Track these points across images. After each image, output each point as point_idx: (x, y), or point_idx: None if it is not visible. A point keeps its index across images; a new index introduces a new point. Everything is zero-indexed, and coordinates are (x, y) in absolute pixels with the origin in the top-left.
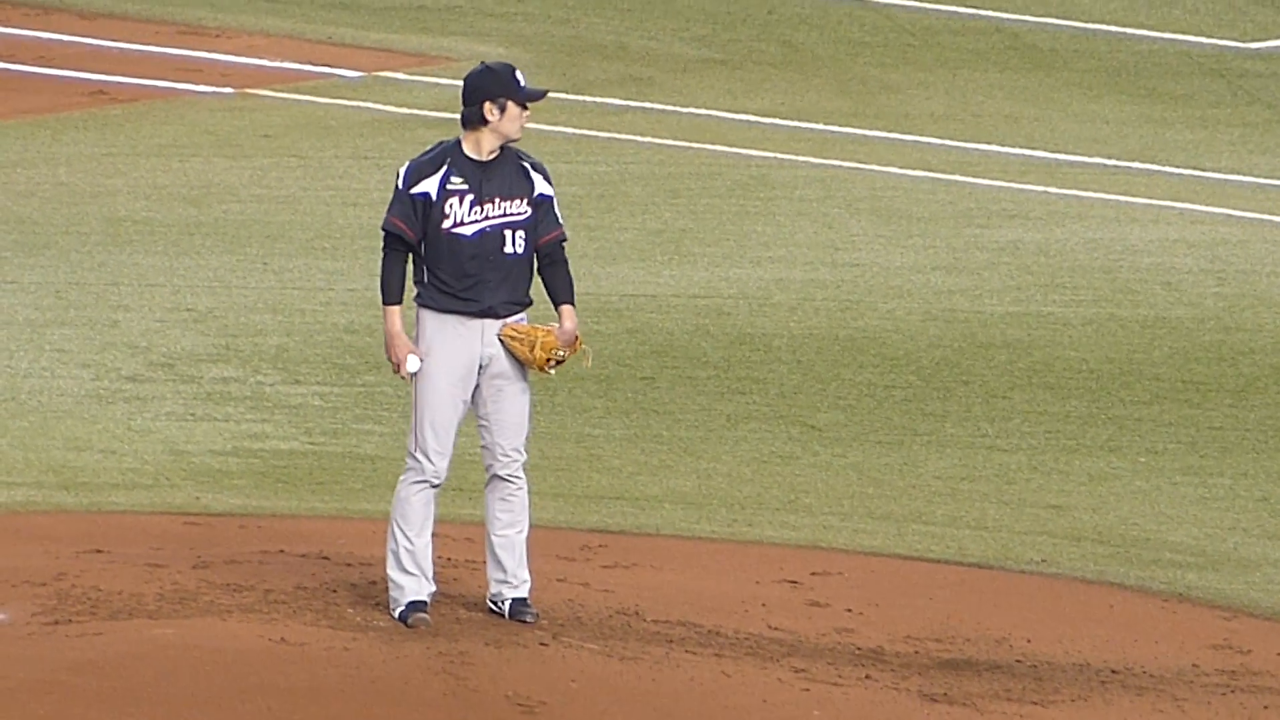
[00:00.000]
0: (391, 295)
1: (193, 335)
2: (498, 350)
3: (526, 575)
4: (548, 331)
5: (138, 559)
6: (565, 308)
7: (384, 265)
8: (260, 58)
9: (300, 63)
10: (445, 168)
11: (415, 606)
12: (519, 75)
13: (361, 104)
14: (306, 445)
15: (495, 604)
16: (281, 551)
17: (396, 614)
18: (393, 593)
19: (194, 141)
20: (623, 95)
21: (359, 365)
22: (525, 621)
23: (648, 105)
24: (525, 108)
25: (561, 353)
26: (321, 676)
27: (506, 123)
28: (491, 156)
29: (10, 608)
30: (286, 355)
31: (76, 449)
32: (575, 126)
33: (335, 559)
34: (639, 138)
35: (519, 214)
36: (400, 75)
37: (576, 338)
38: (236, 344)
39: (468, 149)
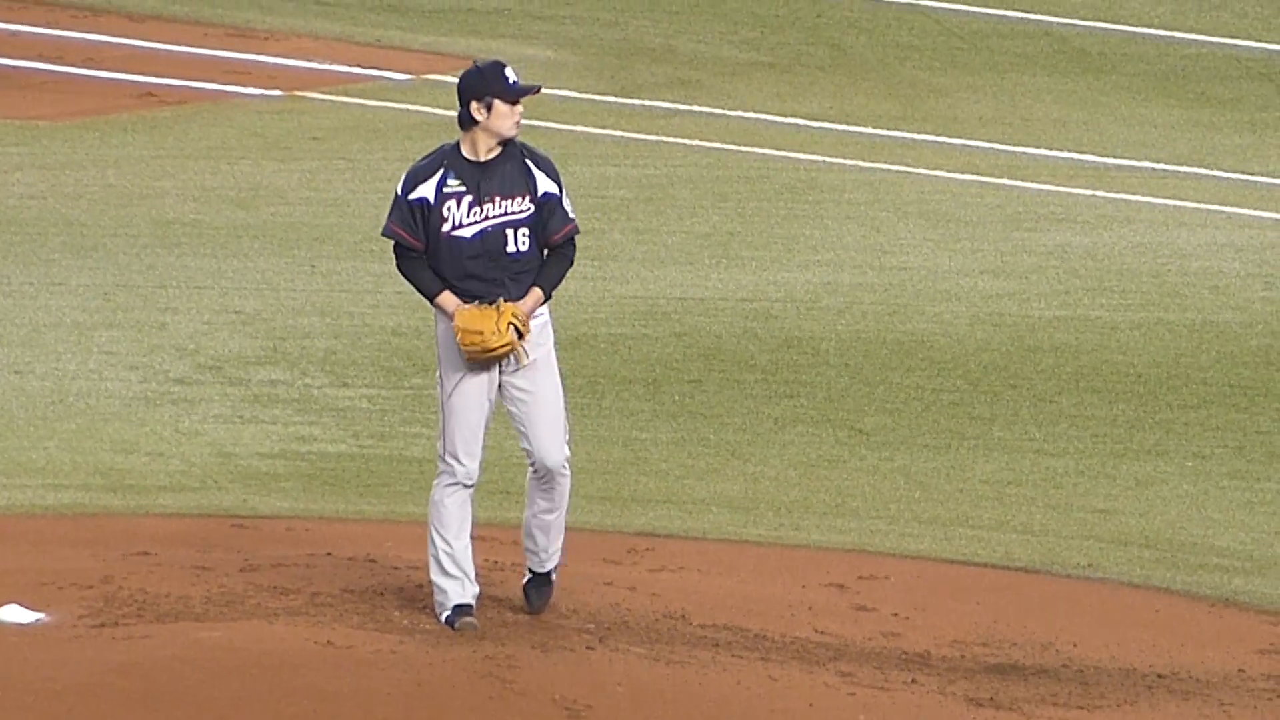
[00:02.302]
0: (431, 288)
1: (240, 338)
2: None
3: (558, 549)
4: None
5: (185, 562)
6: (534, 289)
7: (405, 271)
8: (309, 60)
9: (349, 65)
10: (441, 171)
11: (461, 610)
12: (508, 72)
13: (410, 107)
14: (354, 448)
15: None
16: (328, 554)
17: (443, 618)
18: (437, 596)
19: (242, 144)
20: (671, 98)
21: (407, 368)
22: (530, 602)
23: (696, 108)
24: (515, 104)
25: (518, 320)
26: (368, 680)
27: (496, 120)
28: (491, 156)
29: (57, 610)
30: (334, 358)
31: (124, 451)
32: (623, 129)
33: (382, 562)
34: (687, 141)
35: (520, 212)
36: (449, 78)
37: (524, 323)
38: (284, 347)
39: (465, 150)
